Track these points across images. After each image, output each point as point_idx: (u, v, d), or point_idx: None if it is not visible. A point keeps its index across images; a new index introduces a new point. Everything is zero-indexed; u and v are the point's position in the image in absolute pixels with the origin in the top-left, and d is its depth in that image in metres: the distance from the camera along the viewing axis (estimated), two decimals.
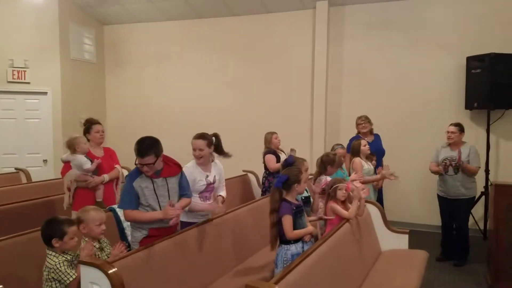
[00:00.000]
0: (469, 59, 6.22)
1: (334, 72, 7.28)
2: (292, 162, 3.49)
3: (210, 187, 3.76)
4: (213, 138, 3.79)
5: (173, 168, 3.28)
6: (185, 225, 3.59)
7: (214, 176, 3.80)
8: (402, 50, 6.85)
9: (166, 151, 3.24)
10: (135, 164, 3.11)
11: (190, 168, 3.68)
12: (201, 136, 3.70)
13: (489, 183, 5.84)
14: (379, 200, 5.51)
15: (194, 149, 3.69)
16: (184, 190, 3.34)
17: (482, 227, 6.19)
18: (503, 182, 4.82)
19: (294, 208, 3.15)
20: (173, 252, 3.15)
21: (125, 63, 8.74)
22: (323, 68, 7.22)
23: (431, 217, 6.41)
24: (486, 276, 4.67)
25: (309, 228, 3.25)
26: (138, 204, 3.10)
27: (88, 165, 4.25)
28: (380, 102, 6.92)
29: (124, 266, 2.65)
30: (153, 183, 3.13)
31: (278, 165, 5.42)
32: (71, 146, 4.32)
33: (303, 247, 3.16)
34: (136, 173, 3.13)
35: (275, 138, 5.73)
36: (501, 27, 6.25)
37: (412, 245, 4.50)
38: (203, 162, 3.73)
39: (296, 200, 3.26)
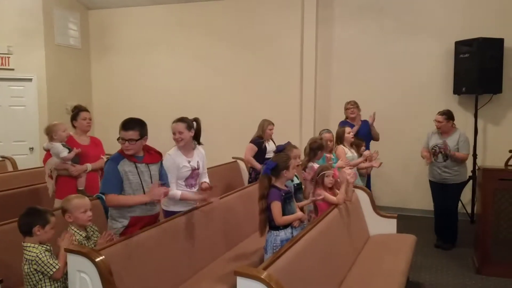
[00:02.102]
0: (457, 44, 6.22)
1: (324, 56, 7.23)
2: (282, 149, 3.48)
3: (195, 173, 3.73)
4: (194, 122, 3.75)
5: (155, 155, 3.28)
6: (170, 214, 3.57)
7: (197, 161, 3.76)
8: (391, 34, 6.82)
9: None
10: (118, 140, 3.08)
11: (172, 155, 3.65)
12: (181, 119, 3.68)
13: (477, 168, 5.90)
14: (368, 185, 5.54)
15: (174, 133, 3.66)
16: (164, 179, 3.31)
17: (469, 211, 6.26)
18: (490, 167, 4.86)
19: (283, 194, 3.16)
20: (162, 240, 3.13)
21: (111, 48, 8.59)
22: (312, 52, 7.16)
23: (421, 202, 6.48)
24: (473, 259, 4.73)
25: (298, 213, 3.26)
26: (122, 189, 3.06)
27: (64, 153, 4.15)
28: (370, 87, 6.91)
29: (112, 254, 2.62)
30: (136, 168, 3.10)
31: (250, 158, 5.50)
32: (49, 133, 4.26)
33: (292, 233, 3.17)
34: (119, 157, 3.09)
35: (269, 129, 5.67)
36: (489, 12, 6.24)
37: (401, 229, 4.55)
38: (185, 146, 3.69)
39: (286, 186, 3.26)
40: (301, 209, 3.48)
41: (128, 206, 3.07)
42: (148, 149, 3.26)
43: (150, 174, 3.17)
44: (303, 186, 4.01)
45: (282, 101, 7.43)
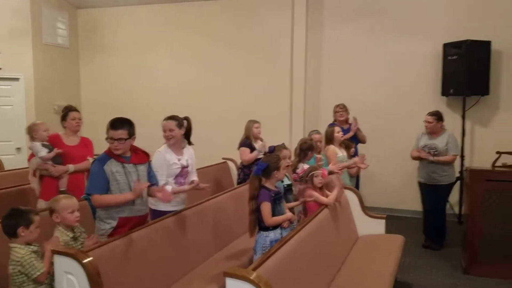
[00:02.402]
0: (446, 46, 6.28)
1: (314, 58, 7.25)
2: (273, 150, 3.49)
3: (184, 171, 3.73)
4: (185, 121, 3.75)
5: (142, 156, 3.26)
6: (160, 214, 3.55)
7: (187, 159, 3.77)
8: (380, 36, 6.87)
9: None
10: (106, 139, 3.06)
11: (162, 152, 3.66)
12: (172, 117, 3.70)
13: (464, 169, 5.96)
14: (357, 186, 5.57)
15: (164, 130, 3.68)
16: (153, 180, 3.30)
17: (457, 211, 6.32)
18: (477, 168, 4.90)
19: (273, 195, 3.16)
20: (151, 240, 3.11)
21: (100, 47, 8.52)
22: (301, 54, 7.19)
23: (410, 202, 6.52)
24: (461, 260, 4.77)
25: (288, 214, 3.27)
26: (108, 190, 3.03)
27: (42, 153, 4.10)
28: (359, 89, 6.95)
29: (100, 255, 2.59)
30: (124, 168, 3.08)
31: (251, 156, 5.43)
32: (30, 133, 4.24)
33: (281, 234, 3.17)
34: (106, 157, 3.06)
35: (255, 128, 5.66)
36: (477, 14, 6.31)
37: (390, 230, 4.58)
38: (174, 144, 3.69)
39: (276, 187, 3.27)
40: (291, 210, 3.50)
41: (114, 206, 3.04)
42: (135, 150, 3.24)
43: (138, 174, 3.15)
44: (293, 187, 4.01)
45: (273, 101, 7.43)
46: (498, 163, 4.60)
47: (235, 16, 7.66)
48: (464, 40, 6.00)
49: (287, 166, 3.50)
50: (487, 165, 4.67)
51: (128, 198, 3.03)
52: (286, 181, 3.76)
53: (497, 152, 4.59)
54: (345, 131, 5.75)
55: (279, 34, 7.35)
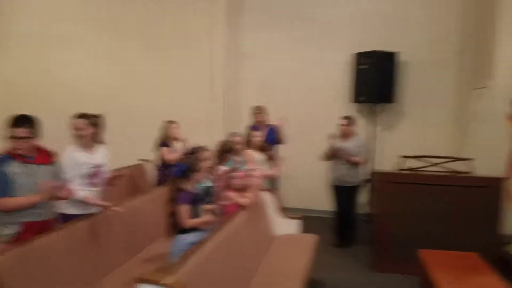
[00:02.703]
0: (358, 56, 6.65)
1: (233, 60, 7.30)
2: (193, 152, 3.45)
3: (97, 172, 3.57)
4: (96, 119, 3.58)
5: (47, 155, 3.09)
6: (70, 218, 3.35)
7: (100, 159, 3.63)
8: (298, 43, 7.10)
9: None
10: (6, 138, 2.85)
11: (71, 151, 3.49)
12: (82, 115, 3.54)
13: (373, 171, 6.33)
14: (275, 187, 5.68)
15: (74, 129, 3.51)
16: (60, 180, 3.12)
17: (366, 211, 6.69)
18: (385, 170, 5.22)
19: (192, 197, 3.13)
20: (60, 246, 2.93)
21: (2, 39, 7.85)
22: (221, 57, 7.18)
23: (325, 203, 6.77)
24: (369, 257, 5.06)
25: (206, 217, 3.24)
26: (10, 193, 2.81)
27: None
28: (278, 92, 7.13)
29: (4, 263, 2.40)
30: (27, 169, 2.88)
31: (175, 156, 5.31)
32: None
33: (200, 236, 3.13)
34: (6, 158, 2.85)
35: (173, 128, 5.55)
36: (388, 26, 6.75)
37: (306, 229, 4.74)
38: (85, 143, 3.53)
39: (195, 189, 3.23)
40: (210, 212, 3.47)
41: (19, 210, 2.82)
42: (39, 149, 3.04)
43: (43, 175, 2.95)
44: (213, 189, 3.99)
45: (192, 102, 7.33)
46: (407, 166, 4.95)
47: (155, 15, 7.46)
48: (374, 51, 6.41)
49: (207, 168, 3.48)
50: (394, 168, 5.00)
51: (33, 201, 2.83)
52: (206, 183, 3.73)
53: (403, 157, 4.95)
54: (271, 135, 5.88)
55: (198, 34, 7.28)
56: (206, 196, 3.53)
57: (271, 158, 5.43)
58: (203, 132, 7.12)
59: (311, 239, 4.48)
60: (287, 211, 4.85)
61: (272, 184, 5.54)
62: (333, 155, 5.50)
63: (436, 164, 4.88)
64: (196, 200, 3.18)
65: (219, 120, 7.24)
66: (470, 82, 6.24)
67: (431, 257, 3.90)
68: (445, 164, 4.85)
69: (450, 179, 4.65)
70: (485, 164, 4.73)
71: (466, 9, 6.49)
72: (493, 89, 5.42)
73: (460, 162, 4.83)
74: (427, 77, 6.68)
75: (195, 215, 3.14)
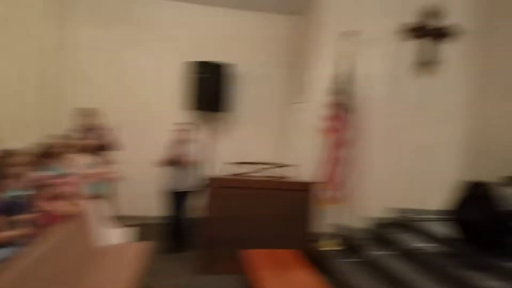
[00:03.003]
0: (195, 64, 6.88)
1: (61, 57, 6.95)
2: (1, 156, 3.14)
3: None
4: None
5: None
6: None
7: None
8: (136, 46, 7.13)
9: None
10: None
11: None
12: None
13: (207, 177, 6.61)
14: (113, 194, 5.48)
15: None
16: None
17: (200, 216, 6.91)
18: (218, 176, 5.46)
19: (2, 207, 2.86)
20: None
21: None
22: (52, 51, 6.75)
23: (163, 209, 6.81)
24: (202, 260, 5.21)
25: (19, 229, 2.99)
26: None
27: None
28: (111, 96, 6.94)
29: None
30: None
31: None
32: None
33: (9, 252, 2.90)
34: None
35: None
36: (227, 39, 7.24)
37: (144, 237, 4.73)
38: None
39: (6, 197, 2.95)
40: (24, 223, 3.20)
41: None
42: None
43: None
44: (27, 198, 3.66)
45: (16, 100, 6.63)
46: (240, 172, 5.33)
47: None
48: (211, 61, 6.78)
49: (16, 174, 3.17)
50: (222, 174, 5.31)
51: None
52: (18, 192, 3.41)
53: (238, 163, 5.31)
54: (102, 139, 5.69)
55: (28, 29, 6.66)
56: (19, 206, 3.24)
57: (103, 163, 5.22)
58: (18, 134, 6.46)
59: (143, 247, 4.43)
60: (122, 219, 4.74)
61: (107, 190, 5.32)
62: (169, 161, 5.60)
63: (263, 169, 5.34)
64: (7, 210, 2.91)
65: (33, 120, 6.61)
66: (292, 97, 7.05)
67: (251, 256, 4.27)
68: (275, 170, 5.34)
69: (271, 183, 5.16)
70: (309, 170, 5.40)
71: (290, 35, 7.39)
72: (307, 105, 6.19)
73: (289, 167, 5.33)
74: (259, 90, 7.37)
75: (6, 227, 2.88)
